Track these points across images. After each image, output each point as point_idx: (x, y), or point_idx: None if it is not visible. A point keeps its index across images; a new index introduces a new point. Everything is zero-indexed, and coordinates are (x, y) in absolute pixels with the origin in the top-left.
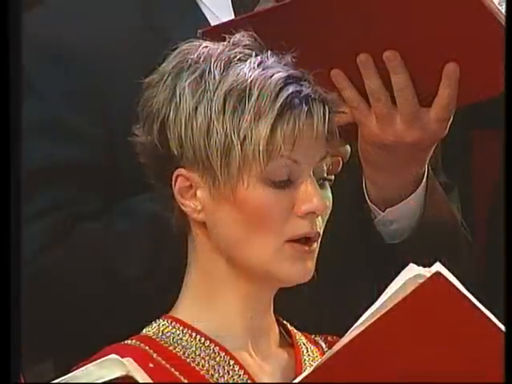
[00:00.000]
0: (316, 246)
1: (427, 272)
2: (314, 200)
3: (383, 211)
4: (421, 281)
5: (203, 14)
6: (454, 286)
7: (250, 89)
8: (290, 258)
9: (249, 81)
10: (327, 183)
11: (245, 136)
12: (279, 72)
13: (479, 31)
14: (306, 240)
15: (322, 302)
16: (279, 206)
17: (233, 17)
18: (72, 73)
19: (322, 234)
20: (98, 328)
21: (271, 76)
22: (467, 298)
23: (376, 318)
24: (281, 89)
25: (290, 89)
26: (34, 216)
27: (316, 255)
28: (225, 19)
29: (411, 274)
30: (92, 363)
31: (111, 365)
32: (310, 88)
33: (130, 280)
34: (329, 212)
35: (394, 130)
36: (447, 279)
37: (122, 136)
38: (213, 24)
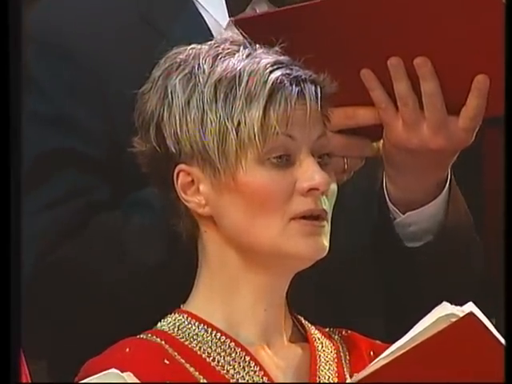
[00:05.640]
0: (326, 224)
1: (460, 312)
2: (316, 177)
3: (403, 213)
4: (453, 320)
5: (199, 11)
6: (486, 327)
7: (239, 76)
8: (300, 233)
9: (238, 69)
10: (329, 167)
11: (239, 121)
12: (267, 58)
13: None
14: (313, 218)
15: (332, 299)
16: (280, 186)
17: (227, 16)
18: (74, 68)
19: (331, 215)
20: (110, 321)
21: (259, 62)
22: (498, 340)
23: (404, 351)
24: (270, 72)
25: (279, 72)
26: (47, 206)
27: (328, 233)
28: (219, 18)
29: (444, 312)
30: (92, 377)
31: (111, 379)
32: (300, 71)
33: (145, 271)
34: (334, 195)
35: (420, 136)
36: (480, 320)
37: (126, 132)
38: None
